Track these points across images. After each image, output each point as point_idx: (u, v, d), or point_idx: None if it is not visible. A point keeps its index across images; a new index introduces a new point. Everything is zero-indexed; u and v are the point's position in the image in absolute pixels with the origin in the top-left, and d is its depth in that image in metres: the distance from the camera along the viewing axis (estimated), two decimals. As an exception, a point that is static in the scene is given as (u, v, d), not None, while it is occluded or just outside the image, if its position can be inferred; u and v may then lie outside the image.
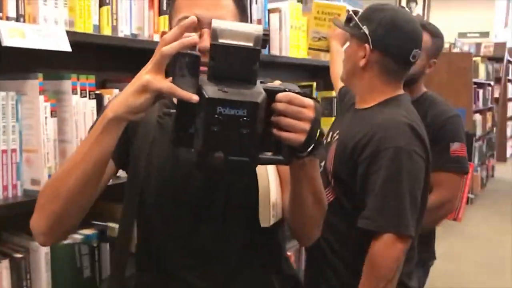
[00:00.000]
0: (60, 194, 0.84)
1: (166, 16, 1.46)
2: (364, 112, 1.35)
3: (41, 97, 1.12)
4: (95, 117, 1.25)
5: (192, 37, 0.76)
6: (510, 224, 4.57)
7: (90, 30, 1.25)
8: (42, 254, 1.17)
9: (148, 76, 0.74)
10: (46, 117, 1.15)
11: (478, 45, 7.30)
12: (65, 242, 1.23)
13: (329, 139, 1.41)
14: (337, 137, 1.36)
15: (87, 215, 1.20)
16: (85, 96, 1.22)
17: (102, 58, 1.42)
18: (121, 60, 1.50)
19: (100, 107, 1.29)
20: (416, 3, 8.13)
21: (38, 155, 1.15)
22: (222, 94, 0.70)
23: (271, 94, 0.76)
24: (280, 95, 0.76)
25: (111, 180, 1.03)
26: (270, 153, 0.78)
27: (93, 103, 1.24)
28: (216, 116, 0.70)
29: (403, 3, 8.27)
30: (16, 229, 1.25)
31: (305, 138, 0.76)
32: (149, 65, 0.76)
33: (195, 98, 0.71)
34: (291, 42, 2.10)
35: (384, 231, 1.19)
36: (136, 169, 0.97)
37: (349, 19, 1.39)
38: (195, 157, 0.73)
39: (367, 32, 1.30)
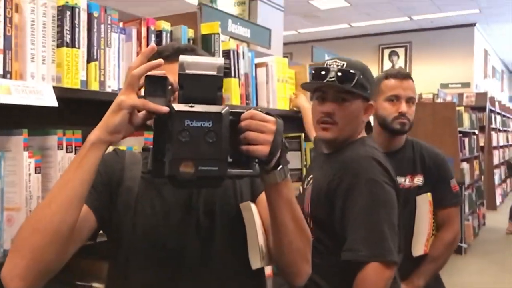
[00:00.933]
0: (40, 227, 0.83)
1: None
2: (335, 155, 1.43)
3: (25, 153, 1.10)
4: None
5: (158, 60, 0.85)
6: (508, 274, 4.49)
7: (77, 86, 1.25)
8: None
9: (122, 96, 0.83)
10: (30, 174, 1.12)
11: (461, 95, 7.52)
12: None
13: (305, 185, 1.48)
14: (311, 181, 1.45)
15: (71, 275, 1.16)
16: (71, 151, 1.20)
17: (89, 114, 1.41)
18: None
19: (86, 162, 1.26)
20: (398, 57, 8.44)
21: (20, 214, 1.11)
22: (189, 108, 0.80)
23: (237, 115, 0.86)
24: (244, 114, 0.86)
25: (97, 239, 1.01)
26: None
27: (79, 158, 1.22)
28: (185, 128, 0.79)
29: (385, 57, 8.58)
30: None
31: (269, 148, 0.84)
32: (123, 88, 0.85)
33: (165, 109, 0.80)
34: (278, 95, 2.13)
35: (370, 260, 1.23)
36: (122, 222, 0.98)
37: (347, 78, 1.36)
38: (167, 170, 0.79)
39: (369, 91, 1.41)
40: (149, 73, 0.83)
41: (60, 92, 1.17)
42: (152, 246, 0.97)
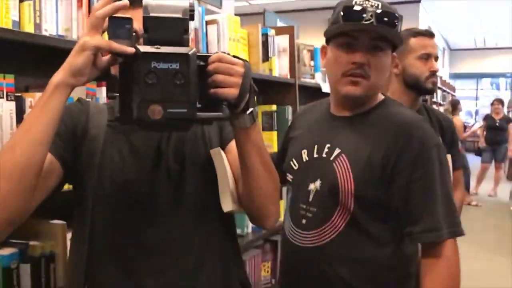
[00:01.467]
0: (3, 174, 0.80)
1: (97, 17, 1.37)
2: (364, 118, 1.19)
3: (-52, 96, 0.99)
4: (14, 121, 1.12)
5: (123, 1, 0.83)
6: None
7: (8, 26, 1.13)
8: None
9: (85, 37, 0.81)
10: (-46, 120, 1.01)
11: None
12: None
13: (323, 155, 1.21)
14: (338, 152, 1.18)
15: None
16: (2, 97, 1.09)
17: (23, 58, 1.30)
18: (45, 63, 1.37)
19: (21, 111, 1.16)
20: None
21: None
22: (156, 50, 0.78)
23: (205, 59, 0.85)
24: (212, 57, 0.85)
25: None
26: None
27: (11, 105, 1.12)
28: (151, 70, 0.77)
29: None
30: None
31: (238, 91, 0.84)
32: (86, 29, 0.83)
33: (130, 50, 0.78)
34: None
35: (450, 237, 1.08)
36: (88, 170, 0.97)
37: (389, 22, 1.13)
38: (135, 113, 0.78)
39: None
40: (113, 15, 0.81)
41: (-11, 31, 1.05)
42: (120, 190, 0.96)
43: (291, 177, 1.28)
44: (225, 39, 2.03)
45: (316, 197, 1.19)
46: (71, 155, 0.96)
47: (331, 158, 1.17)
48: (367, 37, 1.11)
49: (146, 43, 0.80)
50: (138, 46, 0.79)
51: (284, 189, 1.85)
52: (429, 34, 1.82)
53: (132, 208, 0.97)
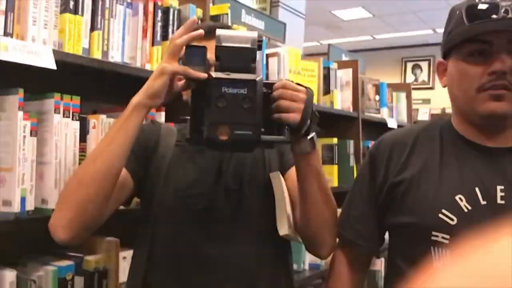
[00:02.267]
0: (84, 182, 0.91)
1: (159, 47, 1.46)
2: None
3: (20, 113, 1.08)
4: (77, 139, 1.20)
5: (199, 31, 0.92)
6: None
7: (79, 53, 1.24)
8: (7, 284, 1.08)
9: (164, 63, 0.91)
10: (24, 136, 1.10)
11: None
12: (32, 276, 1.14)
13: (500, 201, 0.90)
14: (504, 194, 0.90)
15: (63, 247, 1.13)
16: (68, 117, 1.18)
17: (90, 81, 1.40)
18: (112, 88, 1.48)
19: (84, 131, 1.24)
20: (421, 70, 8.31)
21: (12, 175, 1.08)
22: (226, 76, 0.86)
23: (270, 86, 0.91)
24: (277, 84, 0.92)
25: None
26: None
27: (76, 124, 1.20)
28: (222, 94, 0.85)
29: (408, 70, 8.46)
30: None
31: (300, 116, 0.89)
32: (164, 56, 0.92)
33: (203, 75, 0.86)
34: (290, 86, 2.08)
35: None
36: (155, 184, 1.04)
37: None
38: (205, 133, 0.86)
39: None
40: (189, 44, 0.90)
41: (61, 56, 1.15)
42: (182, 204, 1.03)
43: (445, 236, 0.90)
44: (285, 70, 2.07)
45: None
46: (142, 170, 1.04)
47: (490, 203, 0.89)
48: (505, 39, 0.88)
49: (217, 70, 0.87)
50: (211, 72, 0.86)
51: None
52: None
53: (191, 222, 1.02)
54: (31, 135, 1.13)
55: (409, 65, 8.48)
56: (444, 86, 1.00)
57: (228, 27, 1.07)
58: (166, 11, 1.49)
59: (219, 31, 0.89)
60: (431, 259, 0.91)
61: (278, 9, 4.73)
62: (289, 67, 2.09)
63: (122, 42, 1.37)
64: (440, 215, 0.91)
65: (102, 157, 0.91)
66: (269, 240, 1.04)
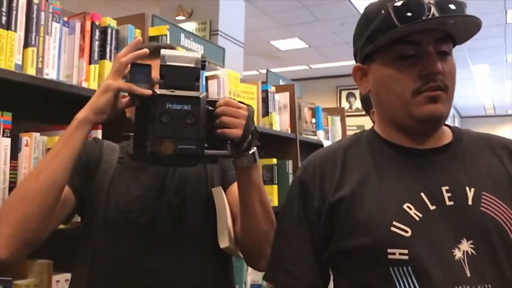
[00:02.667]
0: (26, 197, 0.89)
1: (97, 65, 1.46)
2: (450, 152, 0.90)
3: None
4: (8, 156, 1.16)
5: (143, 51, 0.95)
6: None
7: (11, 69, 1.21)
8: None
9: (109, 80, 0.93)
10: (-50, 153, 1.05)
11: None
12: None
13: (449, 203, 0.83)
14: (474, 192, 0.84)
15: None
16: (-1, 133, 1.14)
17: (24, 98, 1.36)
18: (46, 106, 1.44)
19: (16, 148, 1.20)
20: (355, 98, 8.71)
21: None
22: (170, 92, 0.89)
23: (213, 103, 0.95)
24: (220, 101, 0.95)
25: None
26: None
27: (6, 141, 1.16)
28: (166, 110, 0.88)
29: (343, 98, 8.85)
30: None
31: (242, 131, 0.93)
32: (110, 73, 0.94)
33: (148, 92, 0.89)
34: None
35: None
36: (96, 201, 1.05)
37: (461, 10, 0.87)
38: (149, 147, 0.87)
39: None
40: (134, 62, 0.93)
41: (-10, 71, 1.12)
42: (124, 220, 1.04)
43: (402, 251, 0.79)
44: (225, 92, 2.11)
45: (472, 265, 0.78)
46: (84, 187, 1.05)
47: (470, 203, 0.82)
48: (433, 38, 0.85)
49: (161, 87, 0.90)
50: (155, 89, 0.89)
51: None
52: None
53: (133, 237, 1.03)
54: (-43, 152, 1.08)
55: (344, 93, 8.88)
56: (366, 92, 0.94)
57: (172, 48, 1.12)
58: (104, 30, 1.49)
59: (164, 51, 0.92)
60: (393, 284, 0.78)
61: (217, 37, 4.83)
62: (229, 89, 2.14)
63: (58, 60, 1.36)
64: (393, 229, 0.81)
65: (46, 172, 0.90)
66: (211, 254, 1.07)
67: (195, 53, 0.95)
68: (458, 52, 7.58)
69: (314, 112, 2.95)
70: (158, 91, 0.89)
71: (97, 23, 1.47)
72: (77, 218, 1.24)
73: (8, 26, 1.21)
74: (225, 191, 1.10)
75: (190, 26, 4.64)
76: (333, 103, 8.82)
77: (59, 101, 1.44)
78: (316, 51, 7.79)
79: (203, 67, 0.94)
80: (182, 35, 2.32)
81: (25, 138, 1.23)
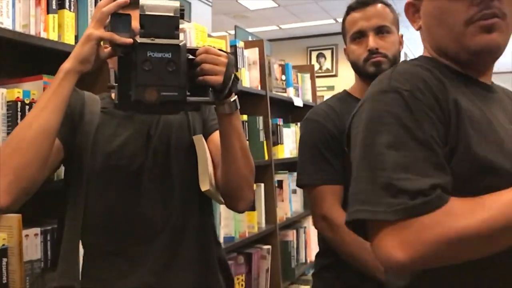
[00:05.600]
0: (20, 146, 0.92)
1: (56, 15, 1.39)
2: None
3: None
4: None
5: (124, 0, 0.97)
6: None
7: (-38, 16, 1.14)
8: None
9: (91, 29, 0.95)
10: None
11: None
12: None
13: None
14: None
15: None
16: (-47, 84, 1.09)
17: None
18: (4, 58, 1.38)
19: (-27, 100, 1.15)
20: (325, 58, 8.71)
21: None
22: (151, 41, 0.91)
23: (194, 51, 0.98)
24: (200, 49, 0.99)
25: None
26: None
27: (-37, 92, 1.11)
28: (147, 58, 0.90)
29: (313, 58, 8.83)
30: None
31: (223, 78, 0.97)
32: (91, 23, 0.96)
33: (129, 41, 0.92)
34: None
35: None
36: (82, 150, 1.08)
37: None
38: (133, 96, 0.90)
39: None
40: (114, 12, 0.95)
41: None
42: (111, 167, 1.08)
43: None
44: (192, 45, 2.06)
45: None
46: (70, 137, 1.07)
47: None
48: None
49: (142, 37, 0.92)
50: (136, 38, 0.91)
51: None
52: (361, 3, 1.40)
53: (122, 184, 1.08)
54: None
55: (314, 54, 8.85)
56: (418, 29, 0.90)
57: None
58: (61, -22, 1.42)
59: (143, 1, 0.94)
60: None
61: (185, -4, 4.68)
62: (196, 43, 2.10)
63: (13, 8, 1.29)
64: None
65: (38, 122, 0.93)
66: (195, 197, 1.14)
67: (174, 2, 0.96)
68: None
69: (284, 69, 2.93)
70: (139, 39, 0.91)
71: (53, -30, 1.39)
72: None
73: (-45, -30, 1.13)
74: (206, 139, 1.16)
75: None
76: (304, 63, 8.80)
77: (17, 53, 1.38)
78: (286, 10, 7.68)
79: (182, 16, 0.96)
80: (146, -13, 2.23)
81: (-17, 90, 1.18)
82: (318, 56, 8.80)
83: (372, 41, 1.35)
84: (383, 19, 1.37)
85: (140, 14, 0.93)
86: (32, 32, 1.33)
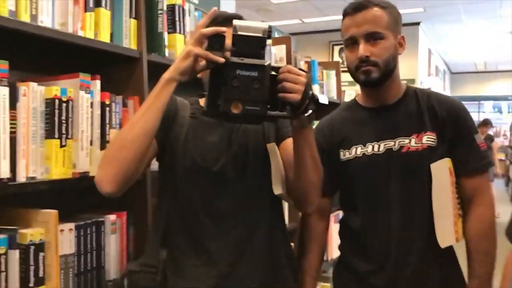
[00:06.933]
0: (125, 145, 1.11)
1: (92, 13, 1.41)
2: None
3: None
4: (7, 106, 1.14)
5: (223, 28, 1.09)
6: None
7: (5, 15, 1.16)
8: None
9: (191, 46, 1.10)
10: None
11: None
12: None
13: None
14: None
15: None
16: (-4, 81, 1.11)
17: (19, 45, 1.32)
18: (40, 55, 1.41)
19: (14, 98, 1.17)
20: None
21: None
22: (240, 60, 1.04)
23: (277, 69, 1.09)
24: (282, 68, 1.09)
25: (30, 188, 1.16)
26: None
27: (4, 90, 1.13)
28: (236, 75, 1.03)
29: (336, 53, 8.75)
30: None
31: (301, 96, 1.07)
32: (191, 40, 1.11)
33: (222, 60, 1.04)
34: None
35: None
36: (174, 150, 1.25)
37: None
38: (221, 107, 1.04)
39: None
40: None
41: (-16, 18, 1.08)
42: (200, 169, 1.23)
43: None
44: (221, 44, 2.07)
45: None
46: (164, 137, 1.24)
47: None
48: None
49: (233, 54, 1.05)
50: (228, 57, 1.04)
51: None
52: (352, 9, 1.34)
53: (206, 182, 1.23)
54: (-46, 101, 1.05)
55: (336, 49, 8.77)
56: None
57: (241, 17, 1.23)
58: (98, -23, 1.43)
59: (236, 22, 1.06)
60: None
61: (209, -11, 4.68)
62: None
63: (52, 6, 1.30)
64: None
65: (140, 124, 1.10)
66: (267, 198, 1.27)
67: (263, 24, 1.06)
68: (452, 6, 7.48)
69: (310, 66, 2.92)
70: (230, 59, 1.03)
71: (91, -32, 1.41)
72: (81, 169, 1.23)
73: (-1, -30, 1.15)
74: (278, 146, 1.28)
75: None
76: (326, 58, 8.72)
77: (55, 51, 1.40)
78: (309, 3, 7.62)
79: (269, 37, 1.06)
80: (177, -17, 2.23)
81: (22, 88, 1.20)
82: (340, 51, 8.71)
83: (362, 49, 1.31)
84: (374, 24, 1.32)
85: (233, 34, 1.05)
86: (70, 30, 1.35)
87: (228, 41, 1.07)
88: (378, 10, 1.34)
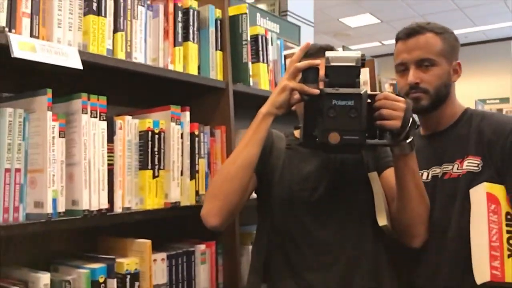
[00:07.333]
0: (228, 178, 1.13)
1: (181, 48, 1.46)
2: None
3: (49, 113, 1.08)
4: (105, 139, 1.19)
5: (317, 61, 1.09)
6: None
7: (103, 54, 1.24)
8: (41, 285, 1.06)
9: (286, 81, 1.11)
10: (53, 137, 1.10)
11: (500, 111, 7.24)
12: (67, 277, 1.12)
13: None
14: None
15: (94, 249, 1.22)
16: (96, 117, 1.17)
17: (115, 82, 1.39)
18: (134, 89, 1.47)
19: (111, 131, 1.23)
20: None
21: (43, 176, 1.07)
22: (335, 91, 1.03)
23: (373, 97, 1.07)
24: (379, 95, 1.07)
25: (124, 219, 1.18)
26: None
27: (103, 124, 1.19)
28: (332, 106, 1.02)
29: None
30: (15, 261, 1.16)
31: (400, 123, 1.04)
32: (286, 75, 1.12)
33: (316, 91, 1.04)
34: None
35: None
36: (271, 182, 1.24)
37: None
38: (319, 138, 1.03)
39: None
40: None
41: (87, 57, 1.15)
42: (297, 199, 1.20)
43: None
44: (304, 71, 2.05)
45: None
46: (262, 169, 1.23)
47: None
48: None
49: (327, 85, 1.04)
50: (322, 88, 1.04)
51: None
52: (405, 34, 1.30)
53: (304, 212, 1.20)
54: (59, 136, 1.12)
55: (419, 69, 8.43)
56: None
57: (332, 48, 1.25)
58: (186, 12, 1.49)
59: (328, 53, 1.06)
60: None
61: (287, 18, 4.74)
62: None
63: (145, 43, 1.37)
64: None
65: (241, 157, 1.12)
66: (369, 228, 1.20)
67: (356, 53, 1.05)
68: None
69: (394, 88, 2.81)
70: (325, 90, 1.03)
71: (179, 4, 1.47)
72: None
73: (98, 12, 1.23)
74: (379, 176, 1.23)
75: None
76: (408, 80, 8.41)
77: (146, 85, 1.47)
78: (388, 25, 7.45)
79: (363, 65, 1.05)
80: (258, 14, 2.28)
81: (118, 121, 1.26)
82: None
83: (411, 75, 1.26)
84: (426, 51, 1.27)
85: (326, 66, 1.04)
86: (161, 65, 1.40)
87: (322, 73, 1.07)
88: (432, 36, 1.29)
